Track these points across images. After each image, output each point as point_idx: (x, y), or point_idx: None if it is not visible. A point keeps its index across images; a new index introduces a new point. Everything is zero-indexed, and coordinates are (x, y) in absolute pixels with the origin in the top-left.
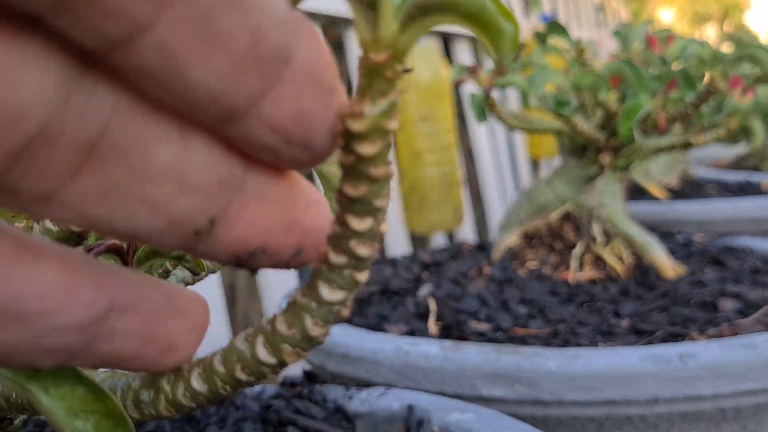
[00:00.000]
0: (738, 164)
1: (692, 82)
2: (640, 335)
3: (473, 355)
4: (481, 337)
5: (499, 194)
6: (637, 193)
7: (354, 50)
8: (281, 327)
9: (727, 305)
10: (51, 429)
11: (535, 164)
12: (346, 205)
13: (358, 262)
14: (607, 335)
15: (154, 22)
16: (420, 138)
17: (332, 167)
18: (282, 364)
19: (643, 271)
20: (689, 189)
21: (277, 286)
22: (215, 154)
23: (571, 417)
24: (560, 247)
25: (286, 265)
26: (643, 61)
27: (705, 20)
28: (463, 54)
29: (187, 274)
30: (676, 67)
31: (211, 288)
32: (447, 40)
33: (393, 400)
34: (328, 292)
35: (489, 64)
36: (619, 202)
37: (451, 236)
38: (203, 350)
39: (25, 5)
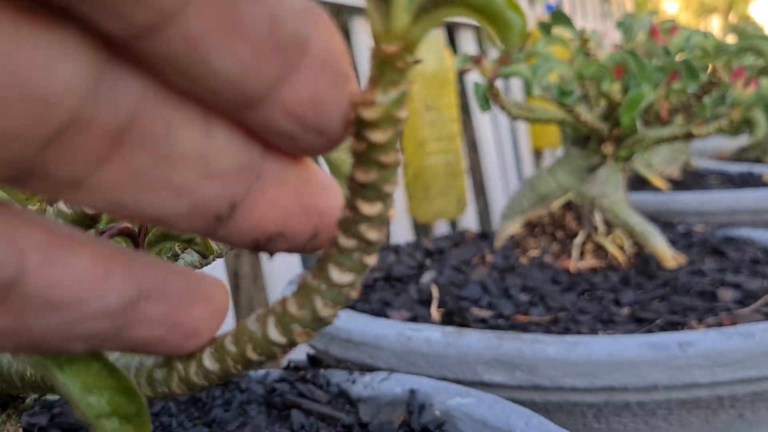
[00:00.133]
0: (740, 156)
1: (695, 74)
2: (640, 323)
3: (475, 341)
4: (483, 324)
5: (501, 184)
6: (638, 183)
7: (359, 38)
8: (292, 308)
9: (727, 295)
10: (59, 409)
11: (537, 155)
12: (356, 190)
13: (367, 245)
14: (607, 323)
15: (180, 11)
16: (424, 127)
17: (340, 154)
18: (292, 344)
19: (644, 261)
20: (691, 180)
21: (281, 273)
22: (235, 141)
23: (571, 403)
24: (562, 236)
25: (302, 250)
26: (647, 52)
27: (710, 11)
28: (468, 43)
29: (195, 257)
30: (679, 58)
31: (216, 275)
32: (451, 29)
33: (395, 385)
34: (337, 275)
35: (493, 53)
36: (621, 192)
37: (453, 225)
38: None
39: None
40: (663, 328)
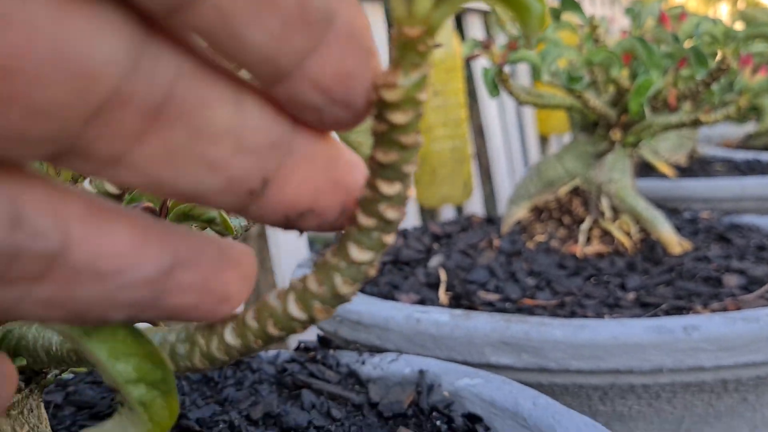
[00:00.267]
0: (747, 143)
1: (704, 60)
2: (646, 308)
3: (482, 323)
4: (490, 307)
5: (507, 169)
6: (645, 170)
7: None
8: (312, 285)
9: (732, 281)
10: (73, 387)
11: (543, 140)
12: (376, 170)
13: (386, 224)
14: (613, 308)
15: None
16: (431, 112)
17: (359, 136)
18: (312, 320)
19: (650, 246)
20: (697, 167)
21: (288, 256)
22: (266, 117)
23: (577, 385)
24: (568, 222)
25: (331, 227)
26: (655, 38)
27: None
28: (476, 29)
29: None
30: (688, 44)
31: None
32: (459, 14)
33: (404, 366)
34: (357, 253)
35: (501, 38)
36: (628, 178)
37: (460, 210)
38: None
39: None
40: (668, 313)
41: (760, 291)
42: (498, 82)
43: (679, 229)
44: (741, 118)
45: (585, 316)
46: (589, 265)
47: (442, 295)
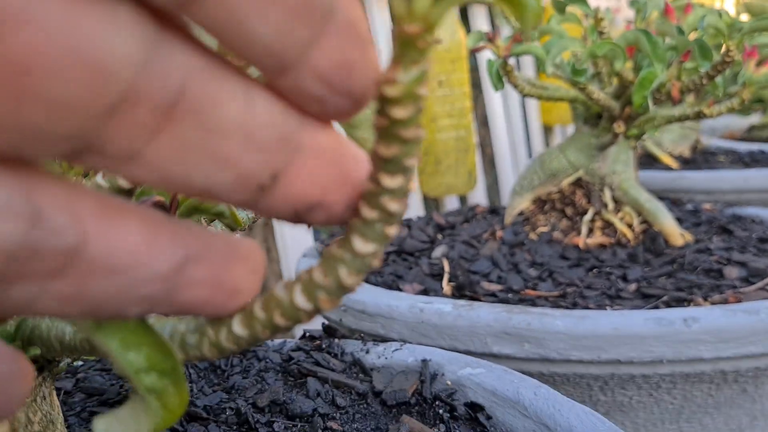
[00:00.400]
0: (751, 135)
1: (708, 53)
2: (647, 300)
3: (485, 313)
4: (493, 298)
5: (511, 159)
6: (648, 161)
7: (376, 17)
8: (318, 276)
9: (733, 273)
10: (83, 374)
11: (547, 131)
12: (378, 164)
13: (389, 216)
14: (614, 299)
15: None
16: (436, 102)
17: (363, 132)
18: (317, 310)
19: (652, 238)
20: (701, 159)
21: (293, 246)
22: (275, 112)
23: (577, 375)
24: (571, 213)
25: (338, 220)
26: (659, 30)
27: None
28: (480, 20)
29: (219, 230)
30: (692, 37)
31: None
32: (464, 5)
33: (408, 355)
34: (361, 245)
35: (506, 30)
36: (631, 170)
37: (463, 200)
38: None
39: None
40: (669, 305)
41: (760, 283)
42: (502, 74)
43: (681, 220)
44: (745, 110)
45: (586, 307)
46: (591, 257)
47: (446, 285)
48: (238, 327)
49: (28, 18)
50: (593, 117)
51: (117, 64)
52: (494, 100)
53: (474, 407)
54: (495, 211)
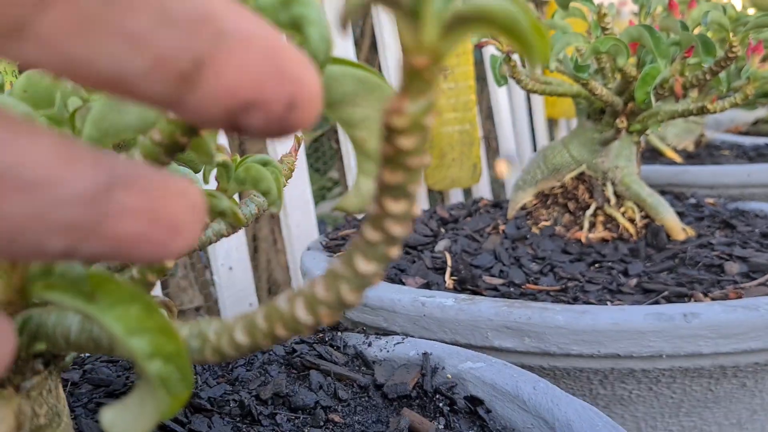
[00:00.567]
0: (756, 128)
1: (711, 49)
2: (648, 294)
3: (486, 308)
4: (494, 292)
5: (516, 153)
6: (652, 156)
7: None
8: (320, 291)
9: (734, 268)
10: (89, 366)
11: (552, 124)
12: (383, 189)
13: (391, 239)
14: (615, 293)
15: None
16: (440, 96)
17: (362, 132)
18: (317, 323)
19: (654, 233)
20: (705, 153)
21: (299, 237)
22: None
23: (577, 369)
24: (574, 208)
25: (280, 125)
26: (663, 26)
27: None
28: None
29: (222, 226)
30: (696, 32)
31: (239, 240)
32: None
33: (410, 348)
34: (363, 265)
35: None
36: (634, 165)
37: (468, 193)
38: (232, 293)
39: None
40: (670, 300)
41: (761, 279)
42: (506, 68)
43: (683, 215)
44: (750, 104)
45: (587, 302)
46: (592, 251)
47: (448, 279)
48: (240, 335)
49: None
50: (596, 112)
51: None
52: (499, 93)
53: (474, 401)
54: (498, 205)
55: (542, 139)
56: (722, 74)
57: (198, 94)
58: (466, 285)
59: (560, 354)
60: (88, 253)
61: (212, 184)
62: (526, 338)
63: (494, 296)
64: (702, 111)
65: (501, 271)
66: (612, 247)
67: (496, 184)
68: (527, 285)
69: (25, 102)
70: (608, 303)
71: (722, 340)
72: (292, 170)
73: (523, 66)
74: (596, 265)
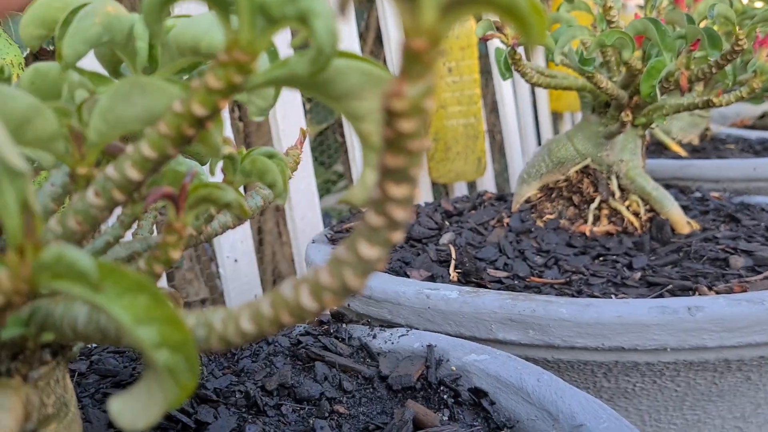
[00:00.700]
0: (763, 122)
1: (717, 42)
2: (652, 288)
3: (490, 300)
4: (499, 285)
5: (521, 146)
6: (657, 149)
7: None
8: (324, 278)
9: (738, 262)
10: (96, 356)
11: (557, 118)
12: (385, 173)
13: (394, 224)
14: (619, 287)
15: None
16: (445, 89)
17: (368, 125)
18: (322, 309)
19: (658, 227)
20: (710, 147)
21: (304, 230)
22: None
23: (581, 362)
24: (578, 201)
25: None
26: (669, 19)
27: None
28: None
29: (227, 218)
30: (702, 25)
31: (244, 232)
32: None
33: (414, 340)
34: (366, 249)
35: None
36: (639, 158)
37: (472, 186)
38: (237, 285)
39: None
40: (674, 293)
41: (766, 273)
42: (511, 62)
43: (688, 208)
44: (756, 98)
45: (592, 295)
46: (597, 245)
47: (452, 272)
48: (246, 323)
49: None
50: (601, 105)
51: None
52: (504, 87)
53: (478, 393)
54: (502, 198)
55: (546, 132)
56: (728, 68)
57: None
58: (470, 278)
59: (564, 347)
60: None
61: (218, 177)
62: (531, 331)
63: (498, 289)
64: (707, 104)
65: (505, 264)
66: (616, 240)
67: (501, 177)
68: (531, 278)
69: (33, 94)
70: (612, 296)
71: (727, 334)
72: (298, 163)
73: (528, 59)
74: (601, 258)
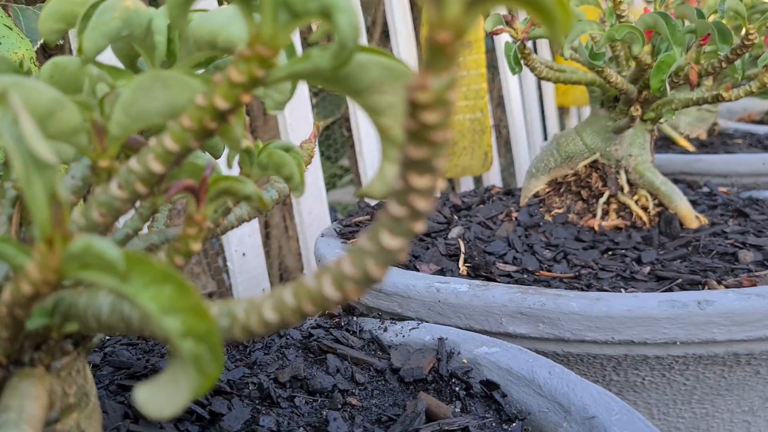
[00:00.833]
0: None
1: (728, 36)
2: (661, 282)
3: (500, 294)
4: (508, 278)
5: (527, 141)
6: (665, 144)
7: None
8: (346, 267)
9: (748, 256)
10: (110, 348)
11: (563, 112)
12: (408, 164)
13: (416, 214)
14: (628, 281)
15: None
16: None
17: (384, 118)
18: (345, 299)
19: (667, 221)
20: (718, 141)
21: (311, 224)
22: None
23: (591, 355)
24: (587, 195)
25: None
26: (679, 13)
27: None
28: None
29: (244, 211)
30: (712, 19)
31: (252, 227)
32: None
33: (425, 333)
34: (388, 239)
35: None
36: (647, 153)
37: (478, 181)
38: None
39: None
40: (683, 288)
41: None
42: (520, 56)
43: (696, 203)
44: (764, 93)
45: (601, 289)
46: (606, 239)
47: (462, 265)
48: (269, 312)
49: None
50: (610, 100)
51: None
52: (510, 81)
53: (489, 385)
54: (510, 192)
55: (553, 127)
56: (737, 62)
57: None
58: (479, 271)
59: (574, 340)
60: None
61: (234, 170)
62: (541, 324)
63: (508, 283)
64: (717, 99)
65: (514, 258)
66: (625, 235)
67: (507, 172)
68: (541, 272)
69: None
70: (622, 290)
71: (736, 328)
72: (311, 156)
73: (535, 52)
74: (609, 252)
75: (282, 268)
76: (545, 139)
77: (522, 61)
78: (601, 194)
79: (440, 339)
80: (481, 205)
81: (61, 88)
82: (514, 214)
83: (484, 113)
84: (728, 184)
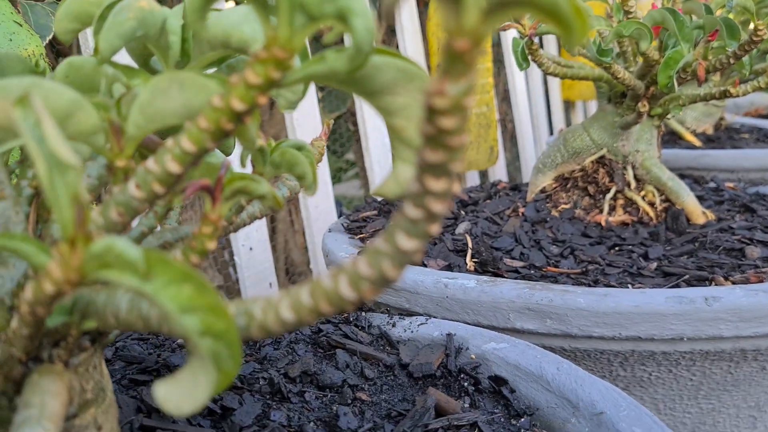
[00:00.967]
0: None
1: (736, 32)
2: (668, 278)
3: (508, 290)
4: (515, 274)
5: (533, 135)
6: (671, 139)
7: None
8: (362, 268)
9: (755, 252)
10: (121, 343)
11: (569, 107)
12: (425, 167)
13: (432, 216)
14: (635, 277)
15: None
16: None
17: (398, 119)
18: (361, 299)
19: (674, 217)
20: (724, 136)
21: (317, 221)
22: None
23: (598, 351)
24: (593, 191)
25: None
26: (686, 9)
27: None
28: None
29: (256, 209)
30: (719, 15)
31: (258, 221)
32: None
33: (433, 329)
34: (404, 241)
35: None
36: (654, 148)
37: (483, 175)
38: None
39: None
40: (690, 284)
41: None
42: (528, 52)
43: (703, 199)
44: None
45: (608, 285)
46: (613, 235)
47: (469, 261)
48: (286, 312)
49: None
50: (617, 96)
51: None
52: (516, 76)
53: (498, 381)
54: (517, 187)
55: (558, 121)
56: (745, 58)
57: None
58: (487, 267)
59: (582, 336)
60: None
61: (246, 168)
62: (548, 320)
63: (515, 278)
64: (725, 95)
65: (521, 253)
66: (632, 230)
67: (512, 166)
68: (548, 268)
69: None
70: (629, 286)
71: (743, 324)
72: (322, 154)
73: (541, 47)
74: (616, 248)
75: (288, 263)
76: (551, 133)
77: (529, 57)
78: (608, 190)
79: (449, 334)
80: (488, 201)
81: (76, 88)
82: (521, 210)
83: (489, 108)
84: (735, 180)
